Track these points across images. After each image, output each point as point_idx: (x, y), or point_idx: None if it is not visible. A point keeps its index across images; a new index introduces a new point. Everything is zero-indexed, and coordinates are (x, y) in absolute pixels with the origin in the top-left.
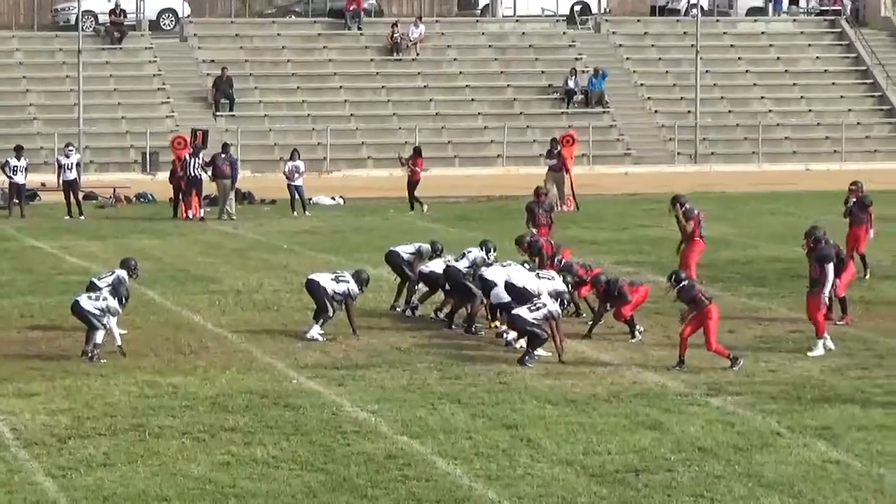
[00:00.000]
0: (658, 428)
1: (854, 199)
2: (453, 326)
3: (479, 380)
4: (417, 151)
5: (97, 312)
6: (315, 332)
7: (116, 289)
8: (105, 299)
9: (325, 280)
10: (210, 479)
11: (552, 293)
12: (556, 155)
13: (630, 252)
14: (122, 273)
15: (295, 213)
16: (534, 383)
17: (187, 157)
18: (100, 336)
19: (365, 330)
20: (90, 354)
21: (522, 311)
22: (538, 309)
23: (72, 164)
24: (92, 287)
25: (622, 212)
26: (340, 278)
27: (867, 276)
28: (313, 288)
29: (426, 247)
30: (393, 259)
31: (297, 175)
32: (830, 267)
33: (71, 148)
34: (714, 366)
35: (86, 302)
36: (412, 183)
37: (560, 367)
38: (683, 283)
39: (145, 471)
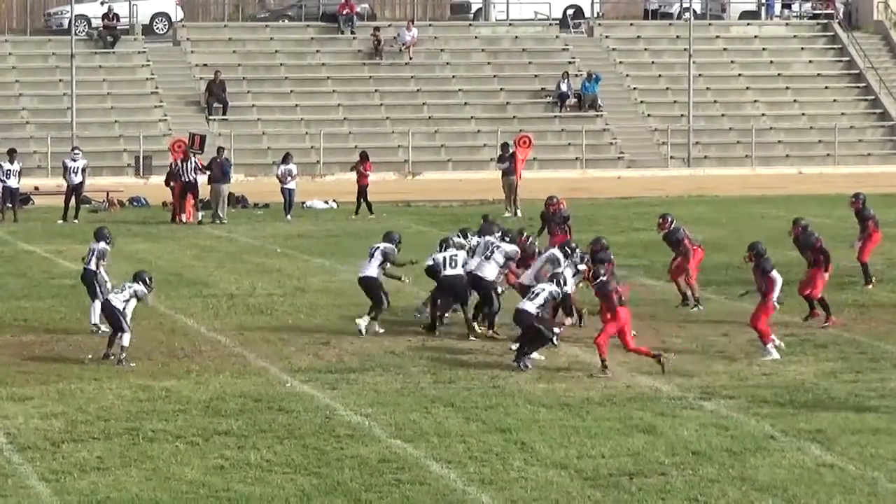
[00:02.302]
0: (652, 431)
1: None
2: (437, 332)
3: (472, 383)
4: (364, 156)
5: (122, 305)
6: (365, 323)
7: (139, 275)
8: (131, 286)
9: (374, 270)
10: (204, 483)
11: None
12: (507, 158)
13: (623, 255)
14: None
15: (288, 216)
16: (527, 387)
17: (179, 161)
18: (126, 339)
19: (358, 334)
20: (117, 358)
21: (525, 305)
22: (537, 296)
23: (78, 168)
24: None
25: (615, 215)
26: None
27: (869, 286)
28: (369, 283)
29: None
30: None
31: (289, 178)
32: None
33: (77, 152)
34: (707, 370)
35: (114, 298)
36: (361, 187)
37: (554, 371)
38: (600, 278)
39: (139, 475)
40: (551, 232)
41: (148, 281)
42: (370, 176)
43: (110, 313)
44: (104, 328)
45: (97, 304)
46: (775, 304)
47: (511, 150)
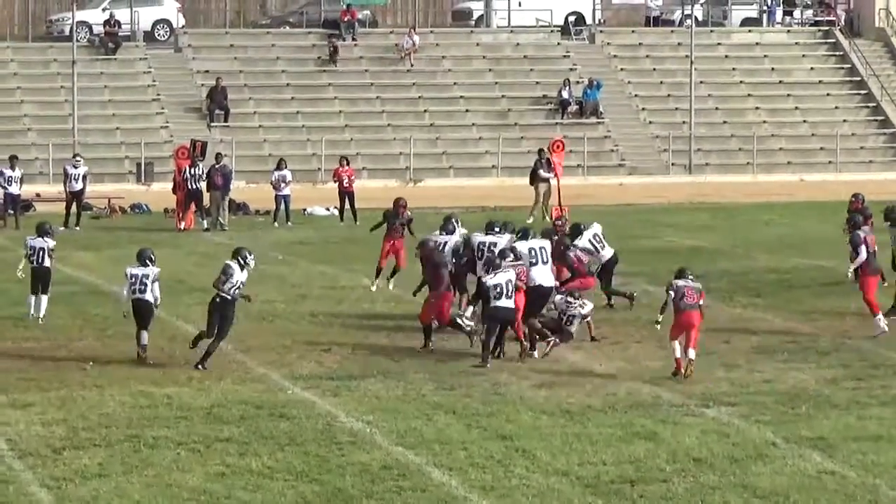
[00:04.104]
0: (653, 438)
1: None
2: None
3: (474, 390)
4: (344, 159)
5: (151, 288)
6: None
7: (146, 255)
8: (149, 274)
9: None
10: (205, 489)
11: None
12: (544, 164)
13: (626, 262)
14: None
15: (276, 223)
16: (529, 394)
17: (187, 168)
18: (145, 337)
19: (360, 340)
20: (141, 356)
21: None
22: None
23: (79, 175)
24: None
25: (616, 222)
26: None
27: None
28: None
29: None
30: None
31: (283, 185)
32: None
33: (79, 159)
34: (709, 376)
35: (148, 296)
36: (349, 194)
37: (555, 377)
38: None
39: (140, 482)
40: (392, 233)
41: (153, 257)
42: (352, 181)
43: (148, 310)
44: (44, 315)
45: (34, 300)
46: (848, 274)
47: (546, 156)
